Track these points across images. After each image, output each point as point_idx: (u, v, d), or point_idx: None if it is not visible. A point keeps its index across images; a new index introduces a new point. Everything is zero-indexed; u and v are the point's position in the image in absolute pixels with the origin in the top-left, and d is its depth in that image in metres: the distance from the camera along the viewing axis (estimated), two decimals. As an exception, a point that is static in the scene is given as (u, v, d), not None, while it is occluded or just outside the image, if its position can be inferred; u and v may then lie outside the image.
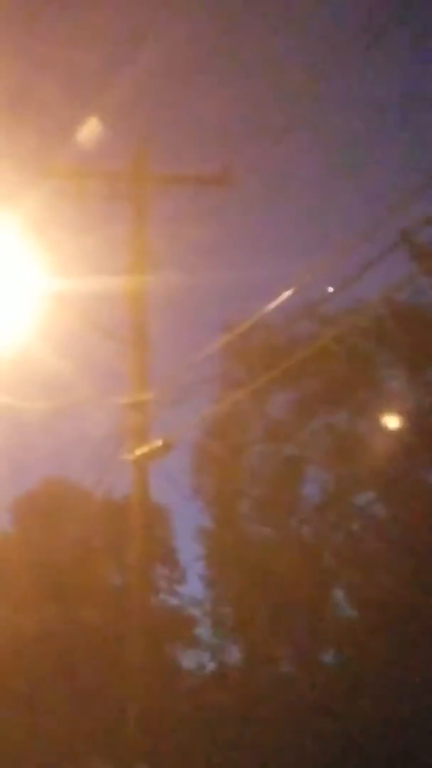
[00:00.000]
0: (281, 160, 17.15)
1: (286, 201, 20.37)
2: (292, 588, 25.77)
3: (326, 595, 26.33)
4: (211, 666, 30.46)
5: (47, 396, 16.83)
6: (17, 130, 17.67)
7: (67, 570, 32.72)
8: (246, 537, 27.23)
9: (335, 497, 26.63)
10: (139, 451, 16.43)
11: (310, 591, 25.77)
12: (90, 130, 17.26)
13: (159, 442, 16.06)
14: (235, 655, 28.21)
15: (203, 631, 29.32)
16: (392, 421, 25.40)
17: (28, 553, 34.32)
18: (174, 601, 37.12)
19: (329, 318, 24.51)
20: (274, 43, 18.45)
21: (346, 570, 26.32)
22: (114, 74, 17.99)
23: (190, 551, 31.39)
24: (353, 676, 25.02)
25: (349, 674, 25.20)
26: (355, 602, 26.44)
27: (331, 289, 15.58)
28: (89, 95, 18.01)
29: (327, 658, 26.96)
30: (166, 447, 16.04)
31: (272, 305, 14.00)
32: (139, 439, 16.66)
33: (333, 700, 25.12)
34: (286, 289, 13.43)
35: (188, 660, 33.61)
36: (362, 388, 26.23)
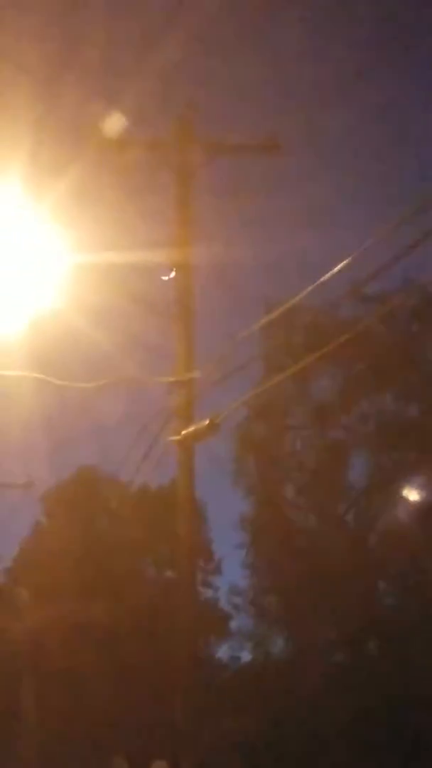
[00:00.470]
0: (333, 128, 16.43)
1: (338, 171, 19.52)
2: (339, 575, 25.09)
3: (373, 582, 25.61)
4: (245, 658, 29.86)
5: (89, 374, 16.11)
6: (58, 100, 17.03)
7: (101, 561, 32.21)
8: (291, 524, 26.55)
9: (381, 483, 25.93)
10: (185, 432, 15.68)
11: (357, 578, 25.08)
12: (132, 98, 16.60)
13: (205, 422, 15.27)
14: (279, 645, 27.51)
15: (244, 621, 28.56)
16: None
17: (61, 543, 33.86)
18: (209, 593, 36.69)
19: (376, 297, 23.74)
20: (324, 5, 17.71)
21: (393, 557, 25.60)
22: (157, 40, 17.32)
23: (225, 541, 30.69)
24: (401, 664, 24.33)
25: (396, 662, 24.50)
26: (401, 589, 25.71)
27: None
28: (132, 62, 17.32)
29: (372, 647, 26.24)
30: (213, 427, 15.23)
31: (314, 285, 13.23)
32: (184, 419, 15.93)
33: (380, 688, 24.45)
34: (334, 265, 12.59)
35: (221, 653, 33.16)
36: (410, 371, 25.49)
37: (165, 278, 16.21)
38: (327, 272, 12.71)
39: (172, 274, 16.14)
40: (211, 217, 16.46)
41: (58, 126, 16.67)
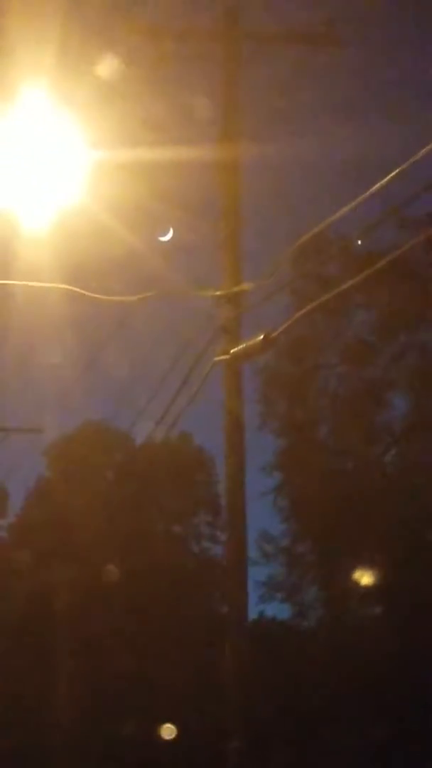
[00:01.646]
0: (391, 17, 14.80)
1: (396, 63, 17.84)
2: (377, 521, 23.74)
3: (416, 528, 24.16)
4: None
5: (126, 286, 14.51)
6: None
7: (107, 517, 31.00)
8: (324, 467, 25.11)
9: (422, 423, 24.51)
10: (234, 350, 14.03)
11: (397, 524, 23.69)
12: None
13: (259, 337, 13.57)
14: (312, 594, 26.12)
15: (274, 569, 27.06)
16: None
17: (65, 499, 32.73)
18: (218, 549, 35.59)
19: (416, 222, 22.17)
20: None
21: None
22: None
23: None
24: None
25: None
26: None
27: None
28: None
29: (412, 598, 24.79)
30: (269, 342, 13.54)
31: (346, 209, 11.65)
32: (232, 337, 14.33)
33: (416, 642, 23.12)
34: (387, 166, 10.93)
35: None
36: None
37: (163, 239, 14.73)
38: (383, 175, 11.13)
39: (170, 234, 14.62)
40: (258, 113, 14.84)
41: (89, 17, 15.09)
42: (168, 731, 25.79)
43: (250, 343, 13.78)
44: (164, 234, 14.97)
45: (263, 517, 26.73)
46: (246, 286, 14.17)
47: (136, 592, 30.89)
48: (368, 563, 24.10)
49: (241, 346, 13.97)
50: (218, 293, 14.35)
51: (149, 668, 28.83)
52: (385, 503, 23.61)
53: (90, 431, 35.80)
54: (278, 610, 28.58)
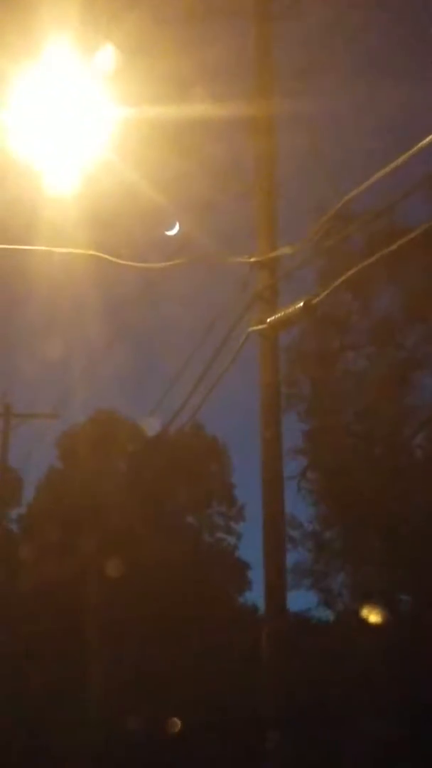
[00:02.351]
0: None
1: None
2: (403, 507, 23.06)
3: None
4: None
5: (155, 252, 13.77)
6: None
7: (117, 508, 30.29)
8: (350, 450, 24.44)
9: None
10: (271, 319, 13.23)
11: (424, 510, 23.01)
12: None
13: (299, 304, 12.75)
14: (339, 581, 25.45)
15: (301, 555, 26.35)
16: None
17: (77, 488, 32.17)
18: (231, 540, 35.19)
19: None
20: None
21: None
22: None
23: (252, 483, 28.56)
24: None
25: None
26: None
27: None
28: None
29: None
30: (310, 309, 12.71)
31: (369, 182, 10.89)
32: (267, 305, 13.56)
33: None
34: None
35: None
36: None
37: (169, 233, 14.01)
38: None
39: (176, 228, 13.90)
40: (293, 69, 14.12)
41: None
42: (175, 725, 25.35)
43: (290, 310, 12.96)
44: (170, 228, 14.27)
45: (288, 501, 26.05)
46: (285, 250, 13.40)
47: (149, 584, 30.39)
48: (396, 549, 23.43)
49: (279, 314, 13.15)
50: (254, 259, 13.59)
51: (171, 660, 28.26)
52: (414, 487, 22.98)
53: (102, 420, 35.35)
54: (293, 601, 27.98)
